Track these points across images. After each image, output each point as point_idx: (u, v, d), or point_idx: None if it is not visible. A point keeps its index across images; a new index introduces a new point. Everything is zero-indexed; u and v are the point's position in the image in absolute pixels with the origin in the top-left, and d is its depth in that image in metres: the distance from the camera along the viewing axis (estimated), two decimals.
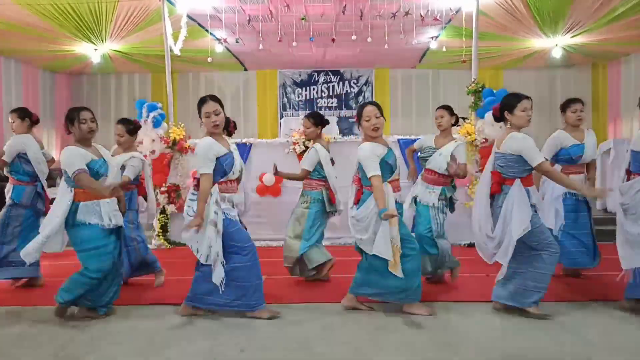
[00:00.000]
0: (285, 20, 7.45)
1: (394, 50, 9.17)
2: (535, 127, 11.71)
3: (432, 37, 8.64)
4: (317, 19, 7.53)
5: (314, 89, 12.22)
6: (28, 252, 3.40)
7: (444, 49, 8.70)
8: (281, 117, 12.05)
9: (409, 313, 3.54)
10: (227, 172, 3.46)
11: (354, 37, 7.27)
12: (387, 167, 3.48)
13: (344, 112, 12.13)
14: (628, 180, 3.61)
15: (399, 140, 6.77)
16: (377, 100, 12.04)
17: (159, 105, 6.74)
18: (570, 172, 4.29)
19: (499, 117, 3.61)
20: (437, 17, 7.11)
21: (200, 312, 3.61)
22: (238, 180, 3.59)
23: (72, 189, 3.43)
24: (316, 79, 12.18)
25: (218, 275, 3.39)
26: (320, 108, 12.16)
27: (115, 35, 8.50)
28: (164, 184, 6.53)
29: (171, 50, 7.24)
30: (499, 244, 3.47)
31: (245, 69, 12.01)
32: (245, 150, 6.67)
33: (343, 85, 12.19)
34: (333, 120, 8.38)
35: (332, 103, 12.20)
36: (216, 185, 3.44)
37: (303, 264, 4.49)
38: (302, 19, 7.01)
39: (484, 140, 6.29)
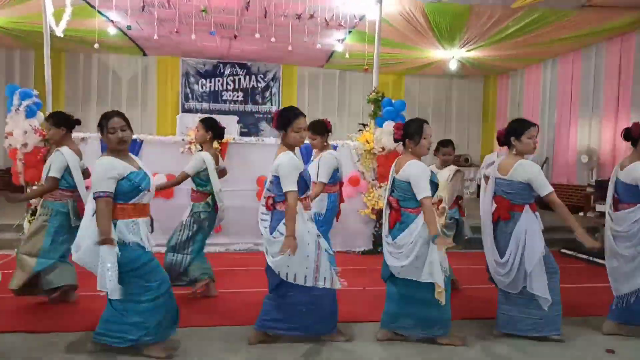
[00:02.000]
0: (184, 10, 7.00)
1: (301, 49, 9.09)
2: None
3: (338, 40, 8.67)
4: (220, 12, 7.18)
5: (219, 80, 11.74)
6: (113, 289, 2.86)
7: (347, 56, 8.79)
8: (183, 108, 11.45)
9: (445, 344, 3.35)
10: (306, 188, 3.16)
11: (257, 36, 7.04)
12: (433, 187, 3.27)
13: (250, 107, 11.84)
14: (616, 208, 3.59)
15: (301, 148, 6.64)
16: (284, 97, 11.97)
17: (35, 92, 6.00)
18: None
19: (504, 142, 3.49)
20: (342, 23, 7.11)
21: (269, 339, 3.30)
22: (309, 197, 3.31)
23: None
24: (222, 71, 11.72)
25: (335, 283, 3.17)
26: (225, 101, 11.75)
27: None
28: (37, 182, 5.83)
29: (53, 31, 6.49)
30: (510, 271, 3.36)
31: (145, 54, 11.23)
32: (134, 147, 6.18)
33: (250, 79, 11.87)
34: (233, 119, 8.06)
35: (237, 97, 11.82)
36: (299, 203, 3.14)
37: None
38: (203, 10, 6.63)
39: (381, 149, 6.40)
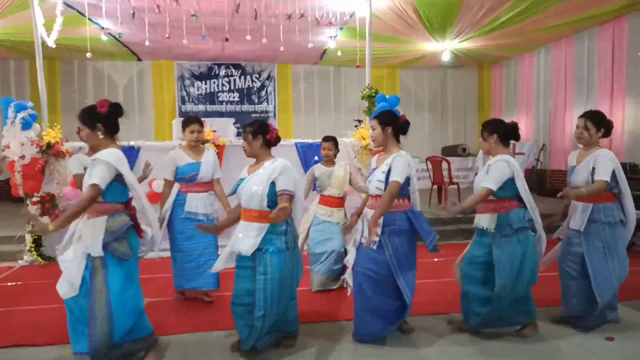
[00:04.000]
0: (174, 14, 7.00)
1: (295, 48, 9.10)
2: (428, 123, 12.51)
3: (330, 37, 8.68)
4: (210, 15, 7.19)
5: (214, 82, 11.76)
6: None
7: (339, 54, 8.79)
8: (180, 111, 11.48)
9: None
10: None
11: (248, 37, 7.05)
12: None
13: (246, 107, 11.86)
14: None
15: (296, 143, 6.66)
16: (280, 95, 11.98)
17: (30, 104, 6.03)
18: None
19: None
20: (332, 21, 7.12)
21: None
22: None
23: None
24: (217, 72, 11.73)
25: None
26: (222, 102, 11.77)
27: None
28: (36, 193, 5.88)
29: (45, 41, 6.50)
30: None
31: (139, 59, 11.24)
32: (132, 154, 6.21)
33: (245, 79, 11.88)
34: (229, 122, 8.06)
35: (233, 97, 11.84)
36: None
37: None
38: (193, 15, 6.63)
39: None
